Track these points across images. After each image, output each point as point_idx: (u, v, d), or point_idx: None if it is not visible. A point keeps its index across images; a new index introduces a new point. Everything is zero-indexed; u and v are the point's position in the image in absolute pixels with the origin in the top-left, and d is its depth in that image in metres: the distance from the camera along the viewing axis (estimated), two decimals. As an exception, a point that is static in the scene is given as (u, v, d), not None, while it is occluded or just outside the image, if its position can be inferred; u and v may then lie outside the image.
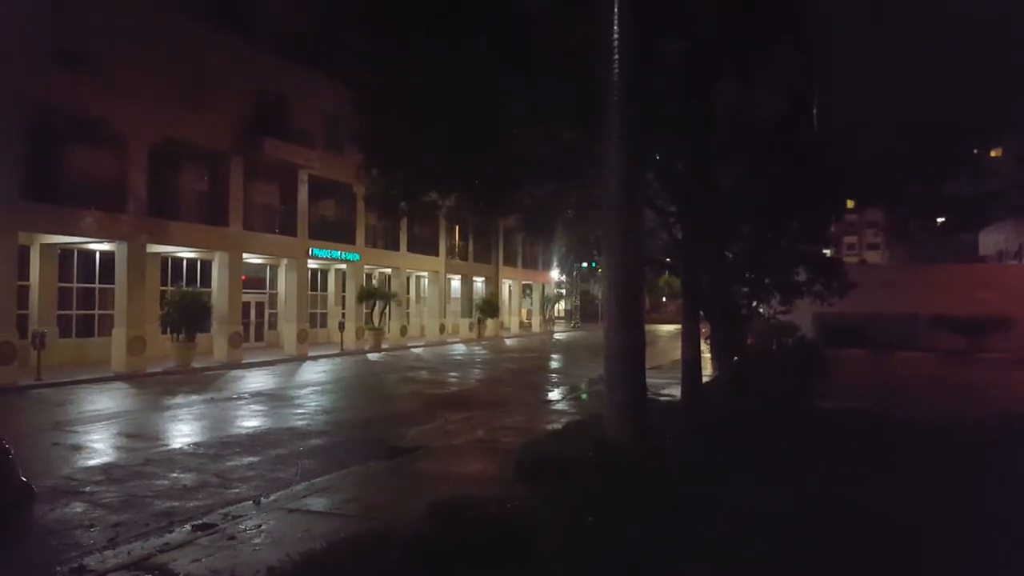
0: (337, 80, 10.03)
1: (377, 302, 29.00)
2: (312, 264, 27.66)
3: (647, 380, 7.92)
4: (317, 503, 6.79)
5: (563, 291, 55.79)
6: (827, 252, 16.85)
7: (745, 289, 13.67)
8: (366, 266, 30.37)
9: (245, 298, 24.96)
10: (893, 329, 25.42)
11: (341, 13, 9.58)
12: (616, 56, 7.32)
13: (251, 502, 6.90)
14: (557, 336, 42.85)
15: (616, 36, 7.32)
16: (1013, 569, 4.20)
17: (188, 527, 6.11)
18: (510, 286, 44.90)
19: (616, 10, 7.27)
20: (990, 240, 45.15)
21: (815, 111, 9.36)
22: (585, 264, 50.72)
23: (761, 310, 15.09)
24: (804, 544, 4.23)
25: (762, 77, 9.45)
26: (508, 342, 35.96)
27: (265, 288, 27.93)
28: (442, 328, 34.84)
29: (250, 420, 12.16)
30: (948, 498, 5.17)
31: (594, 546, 4.29)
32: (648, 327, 9.35)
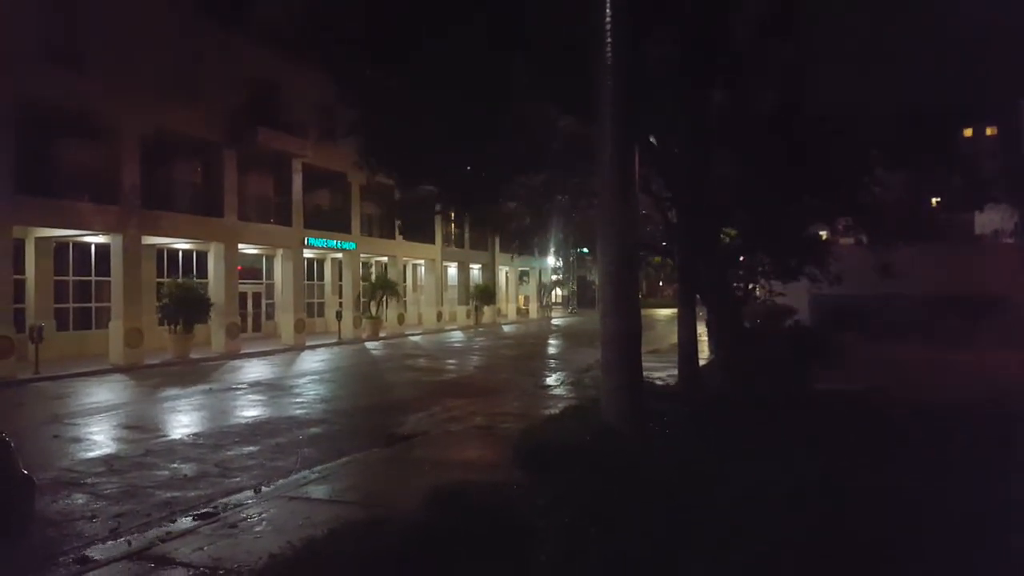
0: (331, 75, 9.96)
1: (372, 290, 29.00)
2: (308, 253, 27.62)
3: (644, 364, 7.95)
4: (317, 491, 6.83)
5: (560, 277, 55.82)
6: (823, 234, 16.83)
7: (741, 272, 13.71)
8: (362, 255, 30.33)
9: (241, 288, 24.93)
10: (890, 309, 25.47)
11: (336, 7, 9.51)
12: (609, 40, 7.28)
13: (252, 491, 6.95)
14: (554, 322, 42.93)
15: (609, 19, 7.28)
16: (1009, 552, 4.24)
17: (189, 517, 6.16)
18: (507, 273, 44.90)
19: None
20: (986, 219, 45.17)
21: (810, 97, 9.34)
22: (585, 250, 50.71)
23: (757, 293, 15.13)
24: (803, 536, 4.25)
25: (757, 64, 9.41)
26: (505, 328, 36.03)
27: (261, 278, 27.91)
28: (439, 316, 34.87)
29: (249, 410, 12.20)
30: (950, 486, 5.18)
31: (591, 537, 4.33)
32: (644, 311, 9.39)
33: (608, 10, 7.25)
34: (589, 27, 7.37)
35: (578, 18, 7.75)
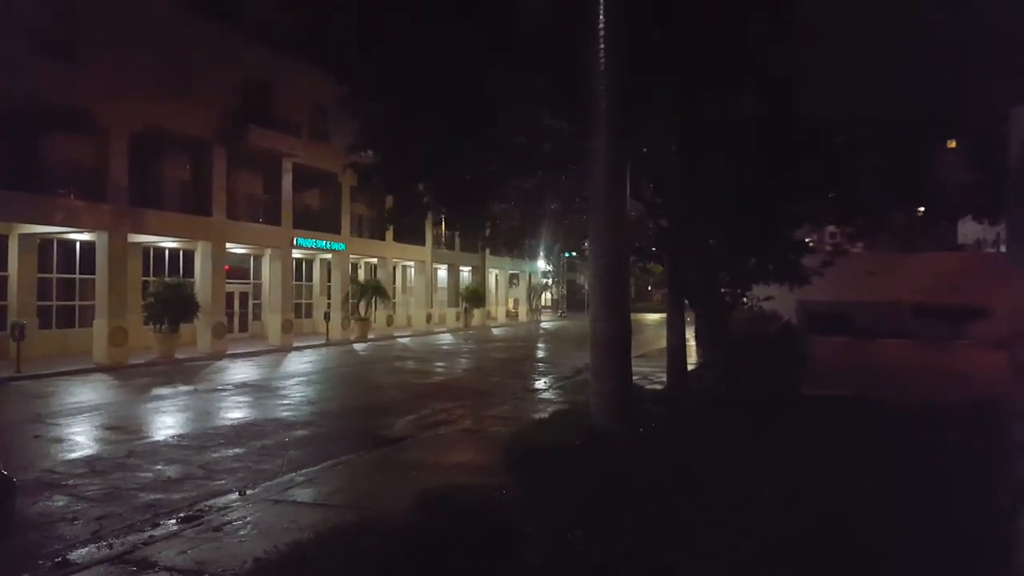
0: (329, 75, 9.95)
1: (363, 292, 28.88)
2: (297, 254, 27.46)
3: (633, 368, 7.96)
4: (303, 494, 6.76)
5: (550, 280, 55.88)
6: (809, 241, 16.96)
7: (729, 278, 13.75)
8: (351, 256, 30.20)
9: (229, 288, 24.73)
10: (876, 317, 25.73)
11: (330, 6, 9.48)
12: (602, 45, 7.30)
13: (237, 494, 6.87)
14: (544, 325, 42.94)
15: (602, 25, 7.29)
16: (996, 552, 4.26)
17: (173, 520, 6.07)
18: (497, 275, 44.88)
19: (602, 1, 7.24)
20: (968, 229, 45.79)
21: (798, 106, 9.40)
22: (574, 253, 50.76)
23: (745, 298, 15.20)
24: (792, 537, 4.25)
25: (746, 73, 9.46)
26: (495, 331, 35.98)
27: (249, 278, 27.69)
28: (429, 318, 34.77)
29: (235, 411, 12.08)
30: (933, 490, 5.22)
31: (583, 540, 4.31)
32: (634, 316, 9.40)
33: (602, 17, 7.27)
34: (584, 34, 7.38)
35: (572, 25, 7.76)
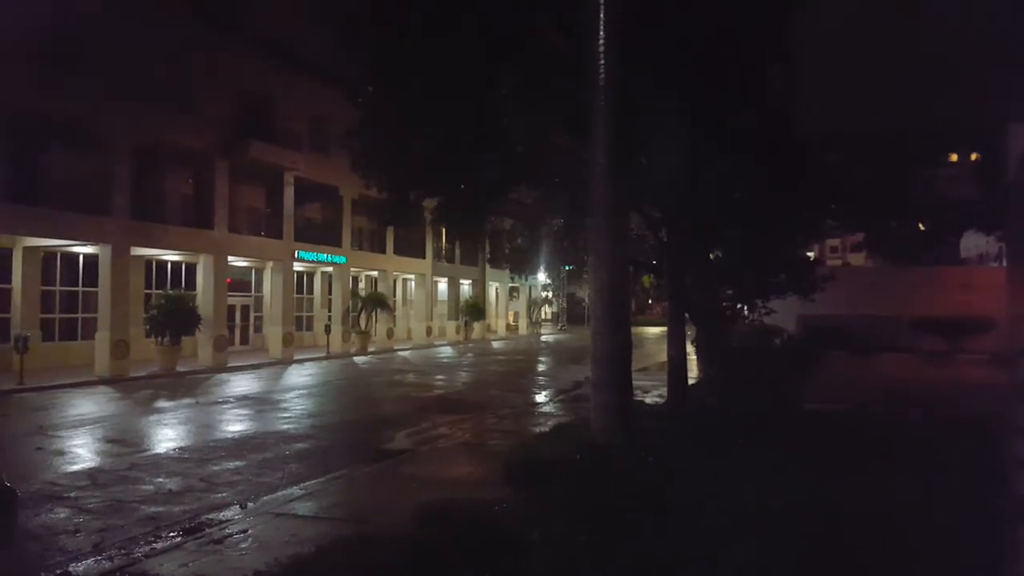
0: (331, 86, 10.11)
1: (364, 305, 28.91)
2: (298, 267, 27.54)
3: (633, 382, 7.99)
4: (304, 507, 6.77)
5: (550, 294, 55.91)
6: (810, 255, 17.03)
7: (729, 291, 13.78)
8: (352, 269, 30.27)
9: (230, 301, 24.78)
10: (876, 331, 25.71)
11: (335, 16, 9.63)
12: (602, 61, 7.40)
13: (237, 507, 6.88)
14: (544, 338, 42.92)
15: (602, 41, 7.39)
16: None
17: (174, 532, 6.08)
18: (497, 288, 44.94)
19: (603, 15, 7.34)
20: (971, 243, 45.87)
21: (795, 119, 9.45)
22: (572, 267, 50.78)
23: (745, 312, 15.23)
24: (793, 550, 4.26)
25: (744, 86, 9.56)
26: (495, 344, 35.96)
27: (250, 291, 27.75)
28: (429, 331, 34.77)
29: (235, 424, 12.09)
30: (937, 506, 5.23)
31: (580, 554, 4.32)
32: (634, 329, 9.46)
33: (602, 33, 7.37)
34: (585, 49, 7.48)
35: (573, 39, 7.87)
